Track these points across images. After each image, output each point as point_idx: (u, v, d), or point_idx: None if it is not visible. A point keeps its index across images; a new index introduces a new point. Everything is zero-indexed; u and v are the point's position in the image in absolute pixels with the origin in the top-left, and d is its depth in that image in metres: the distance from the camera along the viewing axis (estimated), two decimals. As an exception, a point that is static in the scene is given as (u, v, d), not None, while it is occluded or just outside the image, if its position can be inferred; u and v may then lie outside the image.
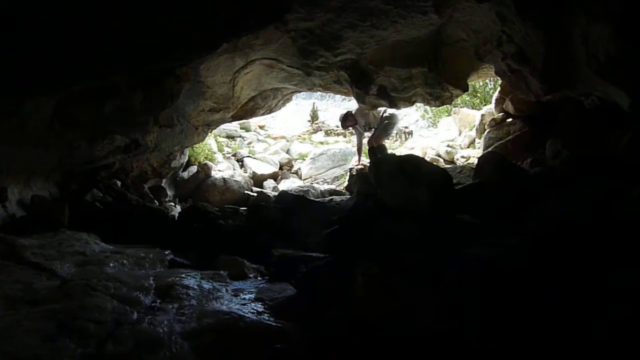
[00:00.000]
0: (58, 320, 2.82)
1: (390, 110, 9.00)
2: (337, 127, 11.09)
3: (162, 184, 8.97)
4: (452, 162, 10.25)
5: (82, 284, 3.52)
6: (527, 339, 2.19)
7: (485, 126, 8.91)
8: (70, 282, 3.61)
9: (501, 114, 8.42)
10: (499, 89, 8.84)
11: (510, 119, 8.15)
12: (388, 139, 8.96)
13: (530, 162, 6.66)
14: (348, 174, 11.27)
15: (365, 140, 9.79)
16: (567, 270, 2.43)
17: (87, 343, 2.57)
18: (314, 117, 19.58)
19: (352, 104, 9.80)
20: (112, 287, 3.51)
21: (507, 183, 4.39)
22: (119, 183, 7.63)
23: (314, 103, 20.70)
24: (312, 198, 7.31)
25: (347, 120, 9.55)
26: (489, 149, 7.83)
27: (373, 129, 9.33)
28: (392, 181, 4.44)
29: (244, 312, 3.06)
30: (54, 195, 6.14)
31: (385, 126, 8.96)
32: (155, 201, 8.01)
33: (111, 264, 4.20)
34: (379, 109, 8.97)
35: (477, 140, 10.09)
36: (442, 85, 6.96)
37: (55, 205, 5.64)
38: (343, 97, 9.59)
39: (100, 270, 4.01)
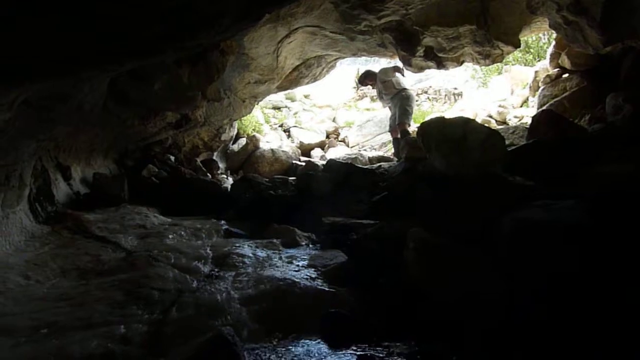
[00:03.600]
0: (125, 289, 3.01)
1: (404, 85, 8.63)
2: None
3: (214, 157, 9.20)
4: (504, 122, 9.91)
5: (145, 255, 3.73)
6: (584, 302, 2.13)
7: (539, 83, 8.51)
8: (134, 254, 3.83)
9: (556, 69, 8.01)
10: (553, 43, 8.38)
11: (566, 75, 7.75)
12: (409, 123, 8.47)
13: (588, 120, 6.34)
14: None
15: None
16: (629, 234, 2.33)
17: (153, 310, 2.73)
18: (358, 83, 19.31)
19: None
20: (173, 257, 3.69)
21: (564, 142, 4.20)
22: (172, 158, 7.90)
23: (358, 69, 20.38)
24: (360, 165, 7.29)
25: (367, 78, 9.24)
26: (544, 107, 7.49)
27: (385, 99, 8.96)
28: (441, 145, 4.36)
29: (298, 278, 3.15)
30: (113, 172, 6.45)
31: (401, 111, 8.49)
32: (208, 174, 8.25)
33: (170, 236, 4.40)
34: (400, 80, 8.65)
35: (530, 98, 9.69)
36: (492, 43, 6.67)
37: (115, 181, 5.93)
38: (389, 60, 9.34)
39: (160, 241, 4.22)
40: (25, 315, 2.62)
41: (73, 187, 5.33)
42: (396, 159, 8.37)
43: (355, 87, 19.43)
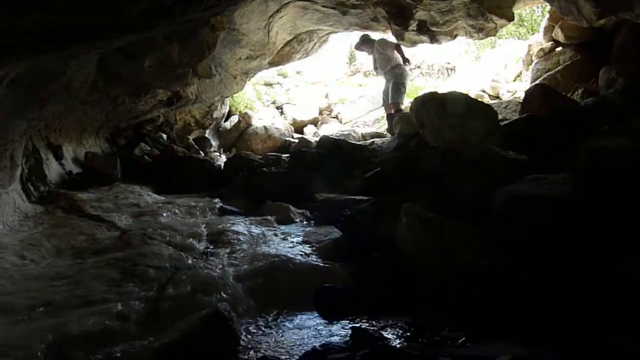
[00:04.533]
0: (121, 267, 3.03)
1: (399, 61, 8.53)
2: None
3: (206, 135, 9.14)
4: (497, 97, 9.89)
5: (140, 233, 3.74)
6: (574, 269, 2.18)
7: (533, 57, 8.47)
8: (129, 232, 3.83)
9: (550, 43, 7.96)
10: (547, 16, 8.31)
11: (560, 48, 7.70)
12: (402, 102, 8.43)
13: (581, 93, 6.34)
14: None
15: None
16: (619, 205, 2.36)
17: (149, 287, 2.75)
18: (351, 58, 19.11)
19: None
20: (168, 235, 3.70)
21: (557, 117, 4.22)
22: (164, 136, 7.85)
23: (351, 44, 20.13)
24: (353, 142, 7.29)
25: (364, 44, 8.99)
26: (537, 82, 7.47)
27: (379, 71, 8.88)
28: (434, 120, 4.36)
29: (292, 254, 3.17)
30: (105, 151, 6.40)
31: (394, 89, 8.41)
32: (201, 152, 8.21)
33: (164, 214, 4.41)
34: (397, 56, 8.56)
35: (523, 72, 9.66)
36: (485, 16, 6.61)
37: (107, 160, 5.89)
38: (381, 35, 9.23)
39: (154, 220, 4.22)
40: (22, 295, 2.63)
41: (65, 167, 5.30)
42: (390, 135, 8.36)
43: (348, 63, 19.27)
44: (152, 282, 2.81)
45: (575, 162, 3.06)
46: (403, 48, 8.37)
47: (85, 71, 4.40)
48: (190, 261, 3.21)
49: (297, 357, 2.01)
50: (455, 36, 7.44)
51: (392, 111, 8.41)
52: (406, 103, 8.68)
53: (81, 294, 2.64)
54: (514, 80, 10.16)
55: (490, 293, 2.23)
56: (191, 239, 3.66)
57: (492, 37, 10.01)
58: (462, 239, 2.69)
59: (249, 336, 2.31)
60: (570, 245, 2.32)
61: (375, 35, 8.87)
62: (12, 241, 3.46)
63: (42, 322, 2.31)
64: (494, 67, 11.56)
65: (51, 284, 2.80)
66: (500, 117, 5.16)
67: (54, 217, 4.13)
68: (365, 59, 18.67)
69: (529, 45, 9.17)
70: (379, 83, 10.19)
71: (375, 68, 9.06)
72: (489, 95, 10.15)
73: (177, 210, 4.57)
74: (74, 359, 2.07)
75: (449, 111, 4.22)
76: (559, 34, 7.54)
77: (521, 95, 7.62)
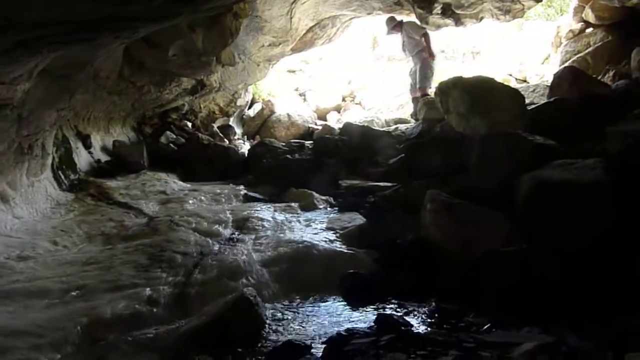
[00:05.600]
0: (149, 253, 3.10)
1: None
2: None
3: (230, 123, 9.20)
4: (524, 80, 9.66)
5: (167, 220, 3.81)
6: (602, 256, 2.13)
7: (562, 39, 8.23)
8: (156, 219, 3.91)
9: (580, 24, 7.72)
10: (577, -5, 8.05)
11: (590, 29, 7.47)
12: (430, 86, 8.21)
13: (612, 75, 6.15)
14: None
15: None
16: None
17: (176, 272, 2.82)
18: (374, 44, 18.88)
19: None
20: (194, 221, 3.77)
21: (586, 100, 4.09)
22: (189, 124, 7.93)
23: (373, 32, 19.83)
24: (376, 128, 7.24)
25: (394, 28, 8.61)
26: (566, 64, 7.27)
27: (407, 53, 8.70)
28: (459, 105, 4.30)
29: (316, 240, 3.19)
30: (132, 140, 6.52)
31: (422, 73, 8.20)
32: (225, 140, 8.27)
33: (190, 201, 4.48)
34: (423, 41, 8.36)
35: (552, 55, 9.40)
36: (512, -3, 6.45)
37: (134, 148, 6.01)
38: (406, 19, 9.07)
39: (181, 207, 4.30)
40: (56, 279, 2.72)
41: (94, 155, 5.42)
42: (414, 120, 8.25)
43: (371, 48, 19.04)
44: (179, 268, 2.87)
45: (605, 146, 2.98)
46: (431, 36, 8.19)
47: (112, 61, 4.47)
48: (216, 247, 3.27)
49: (321, 342, 2.03)
50: (481, 19, 7.28)
51: (419, 95, 8.27)
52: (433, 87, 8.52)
53: (111, 278, 2.72)
54: (542, 63, 9.91)
55: (516, 280, 2.21)
56: (217, 226, 3.72)
57: (519, 19, 9.73)
58: (487, 225, 2.66)
59: (275, 321, 2.34)
60: (599, 232, 2.27)
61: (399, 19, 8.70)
62: (45, 228, 3.58)
63: (76, 306, 2.40)
64: (521, 50, 11.29)
65: (83, 269, 2.89)
66: (527, 101, 5.05)
67: (84, 204, 4.25)
68: (389, 44, 18.38)
69: (558, 27, 8.90)
70: (403, 69, 10.05)
71: (404, 50, 8.88)
72: (516, 79, 9.93)
73: (202, 197, 4.65)
74: (106, 341, 2.13)
75: (475, 96, 4.15)
76: (589, 15, 7.30)
77: (549, 78, 7.41)
